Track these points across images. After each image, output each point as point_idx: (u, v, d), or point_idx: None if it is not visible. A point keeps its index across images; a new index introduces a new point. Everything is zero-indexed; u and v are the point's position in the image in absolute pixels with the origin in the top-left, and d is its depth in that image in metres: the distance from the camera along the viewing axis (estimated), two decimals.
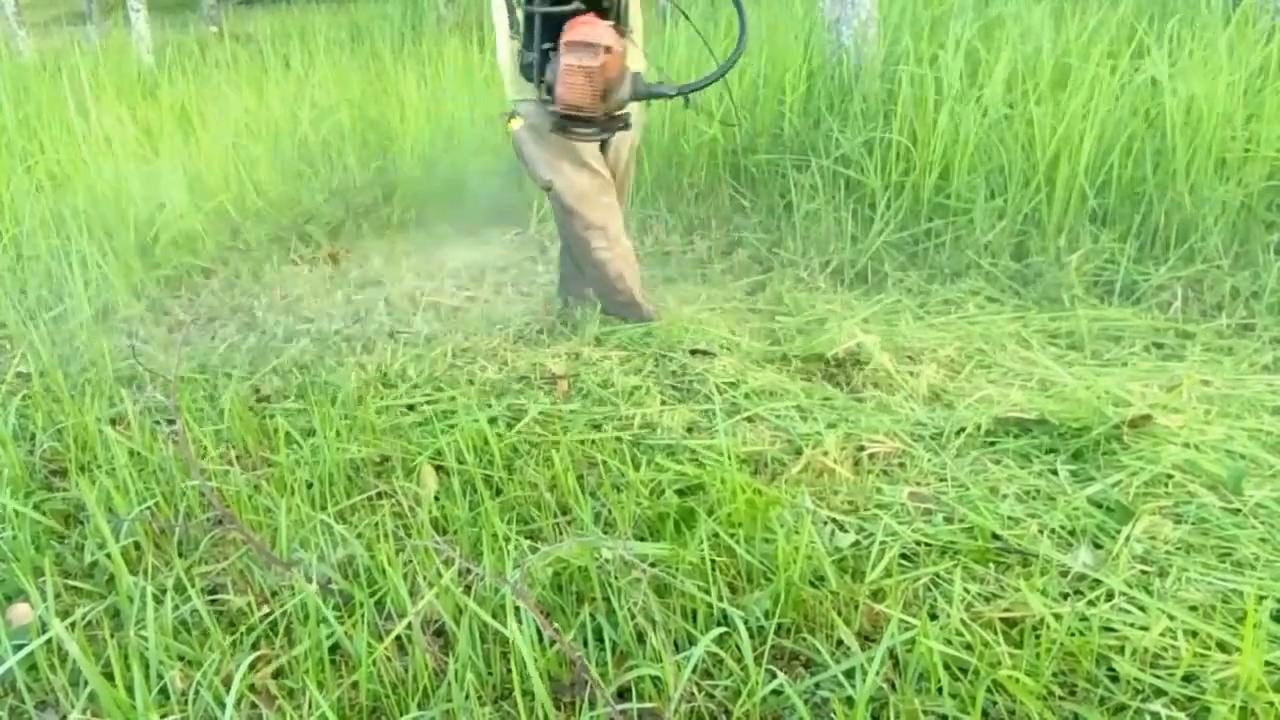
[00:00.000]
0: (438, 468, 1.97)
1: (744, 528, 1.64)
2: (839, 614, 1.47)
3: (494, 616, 1.45)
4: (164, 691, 1.39)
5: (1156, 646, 1.37)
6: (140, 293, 3.24)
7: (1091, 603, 1.46)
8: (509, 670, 1.38)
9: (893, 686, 1.36)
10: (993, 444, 1.96)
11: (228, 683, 1.37)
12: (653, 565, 1.56)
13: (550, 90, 2.15)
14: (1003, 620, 1.44)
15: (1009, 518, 1.69)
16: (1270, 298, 2.65)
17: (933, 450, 1.95)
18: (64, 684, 1.44)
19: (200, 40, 8.01)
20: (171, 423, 2.24)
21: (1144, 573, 1.54)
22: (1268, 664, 1.31)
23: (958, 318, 2.72)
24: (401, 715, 1.37)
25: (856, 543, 1.65)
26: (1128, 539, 1.60)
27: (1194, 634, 1.39)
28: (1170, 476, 1.78)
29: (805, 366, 2.38)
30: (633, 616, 1.48)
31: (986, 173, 3.11)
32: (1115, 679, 1.34)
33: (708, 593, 1.49)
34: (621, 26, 2.21)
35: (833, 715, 1.29)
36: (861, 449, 1.95)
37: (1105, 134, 2.99)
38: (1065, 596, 1.50)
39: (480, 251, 3.63)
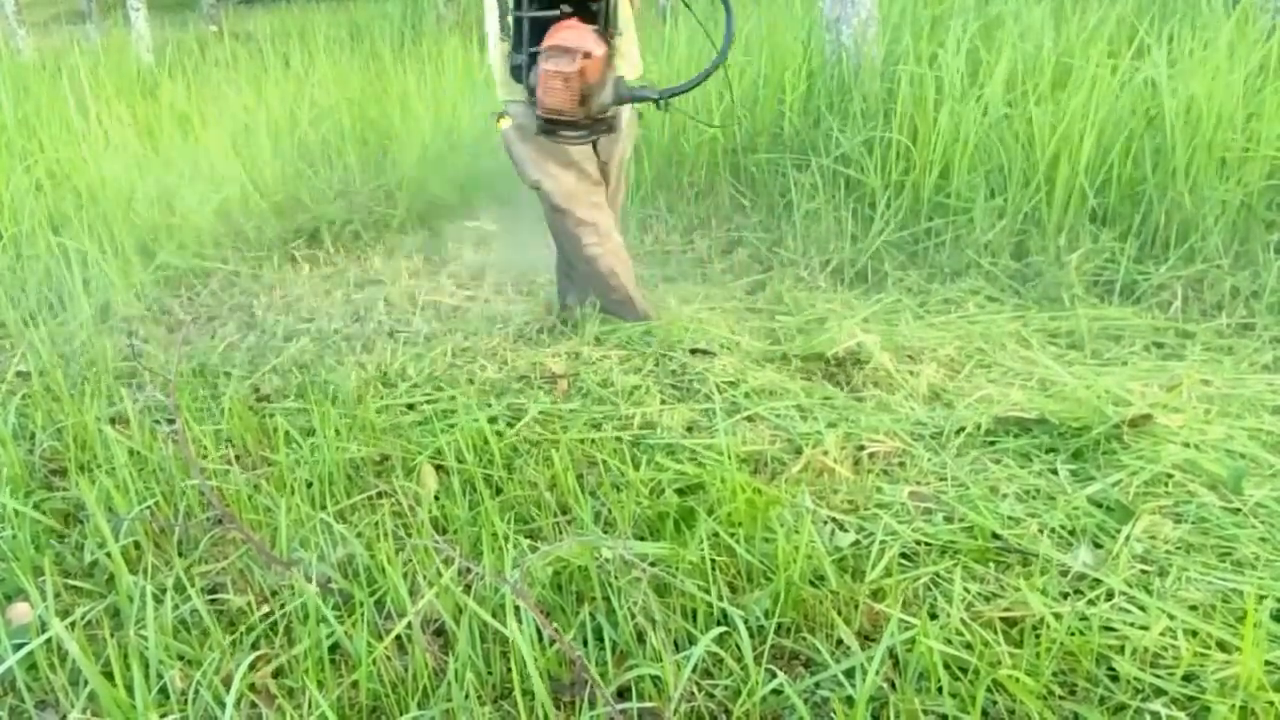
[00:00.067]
0: (438, 467, 1.97)
1: (744, 527, 1.64)
2: (839, 613, 1.47)
3: (494, 616, 1.45)
4: (164, 691, 1.39)
5: (1156, 646, 1.37)
6: (140, 292, 3.24)
7: (1091, 602, 1.46)
8: (509, 670, 1.38)
9: (893, 686, 1.36)
10: (993, 443, 1.96)
11: (228, 682, 1.37)
12: (653, 565, 1.56)
13: (534, 93, 2.17)
14: (1003, 620, 1.44)
15: (1009, 517, 1.69)
16: (1270, 297, 2.65)
17: (933, 450, 1.95)
18: (64, 683, 1.44)
19: (200, 39, 8.00)
20: (171, 422, 2.24)
21: (1144, 572, 1.53)
22: (1268, 663, 1.31)
23: (958, 317, 2.72)
24: (401, 715, 1.37)
25: (856, 542, 1.65)
26: (1128, 538, 1.60)
27: (1194, 633, 1.39)
28: (1170, 476, 1.77)
29: (805, 366, 2.38)
30: (633, 616, 1.48)
31: (986, 172, 3.11)
32: (1115, 678, 1.34)
33: (708, 592, 1.49)
34: (611, 29, 2.23)
35: (833, 715, 1.29)
36: (861, 448, 1.95)
37: (1105, 133, 2.99)
38: (1065, 596, 1.50)
39: (480, 252, 3.63)
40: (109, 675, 1.35)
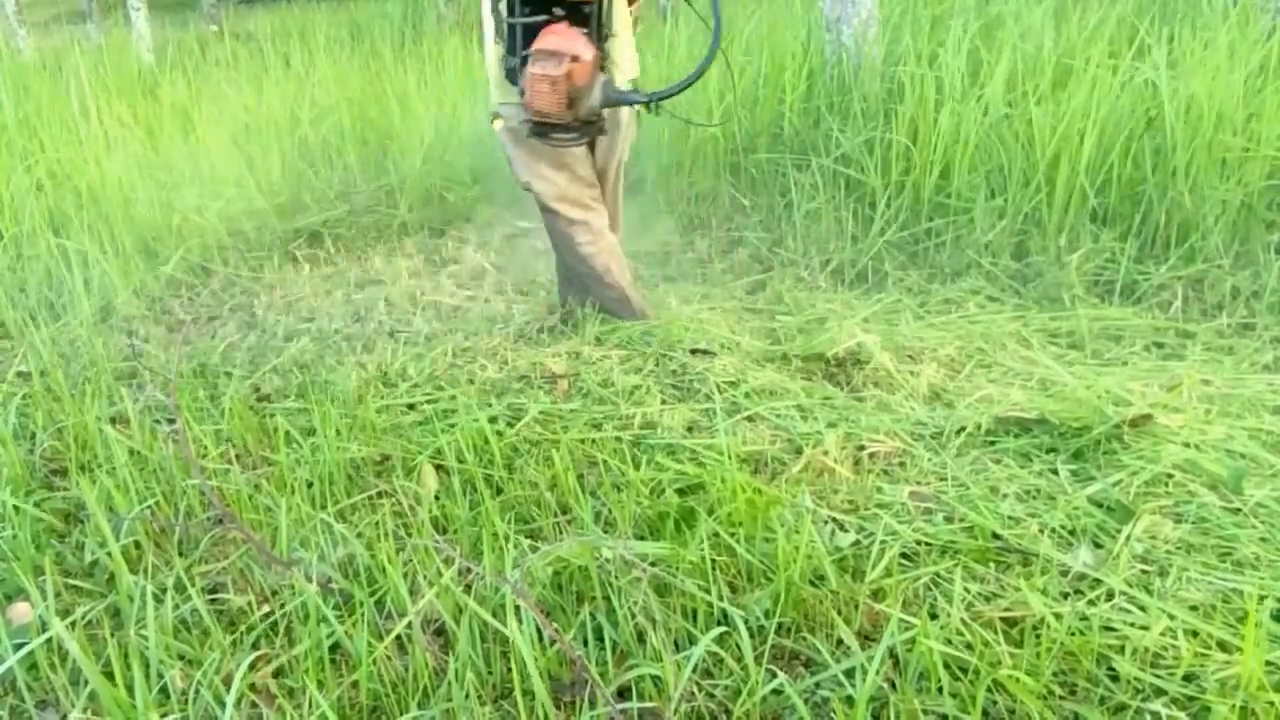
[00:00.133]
0: (438, 467, 1.97)
1: (744, 527, 1.64)
2: (839, 613, 1.47)
3: (494, 616, 1.45)
4: (164, 691, 1.39)
5: (1157, 646, 1.37)
6: (141, 292, 3.24)
7: (1092, 602, 1.46)
8: (509, 670, 1.38)
9: (893, 686, 1.36)
10: (993, 443, 1.96)
11: (228, 682, 1.37)
12: (653, 565, 1.56)
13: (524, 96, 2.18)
14: (1003, 620, 1.44)
15: (1009, 517, 1.69)
16: (1271, 297, 2.65)
17: (933, 450, 1.95)
18: (64, 683, 1.44)
19: (200, 39, 8.01)
20: (172, 422, 2.24)
21: (1144, 572, 1.53)
22: (1268, 664, 1.31)
23: (958, 317, 2.72)
24: (401, 715, 1.37)
25: (857, 542, 1.65)
26: (1128, 538, 1.60)
27: (1194, 634, 1.39)
28: (1170, 476, 1.77)
29: (805, 366, 2.38)
30: (633, 616, 1.48)
31: (987, 172, 3.11)
32: (1115, 679, 1.34)
33: (708, 592, 1.49)
34: (605, 31, 2.23)
35: (833, 715, 1.29)
36: (862, 448, 1.95)
37: (1106, 133, 2.99)
38: (1065, 596, 1.50)
39: (480, 251, 3.63)
40: (109, 675, 1.35)
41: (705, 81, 3.73)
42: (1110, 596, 1.48)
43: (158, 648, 1.41)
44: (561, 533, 1.76)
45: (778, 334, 2.65)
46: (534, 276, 3.30)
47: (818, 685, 1.38)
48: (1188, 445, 1.86)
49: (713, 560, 1.54)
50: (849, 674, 1.36)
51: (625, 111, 2.49)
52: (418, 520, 1.79)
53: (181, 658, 1.48)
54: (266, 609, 1.57)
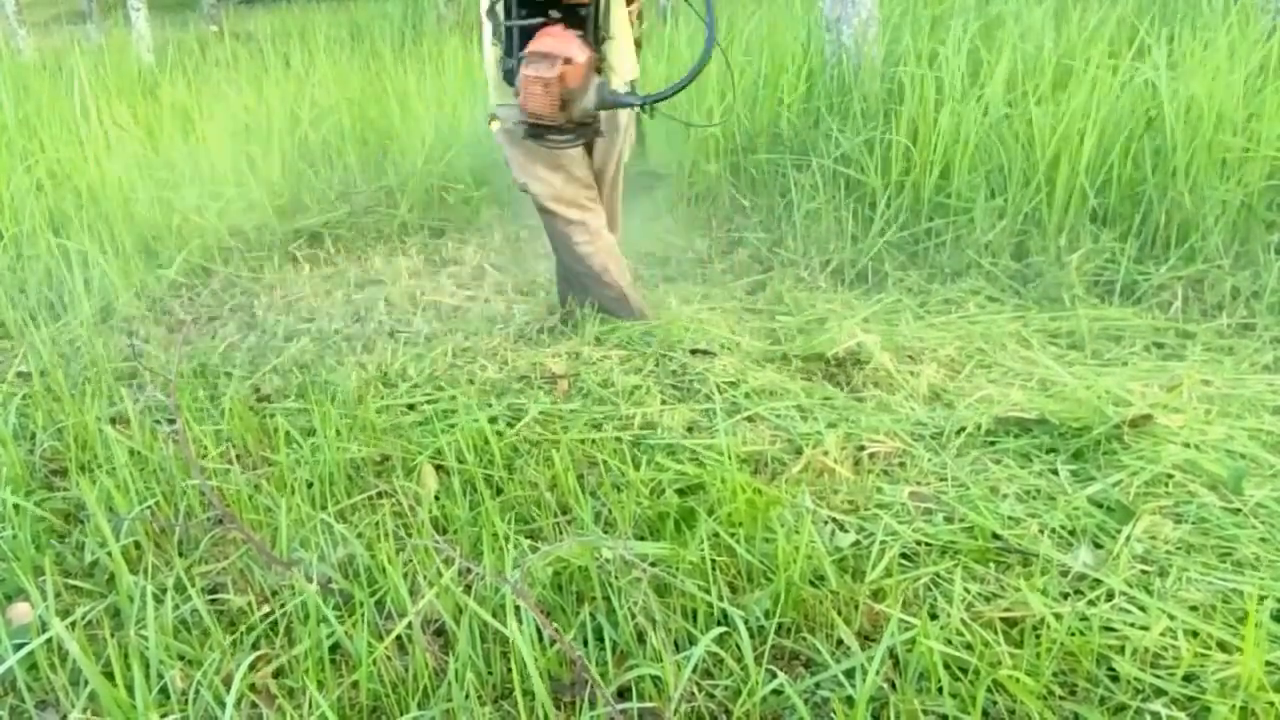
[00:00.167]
0: (438, 467, 1.97)
1: (744, 527, 1.64)
2: (839, 614, 1.47)
3: (494, 616, 1.45)
4: (164, 691, 1.39)
5: (1157, 646, 1.37)
6: (141, 292, 3.24)
7: (1092, 602, 1.46)
8: (509, 670, 1.38)
9: (893, 686, 1.36)
10: (993, 444, 1.96)
11: (228, 682, 1.37)
12: (653, 565, 1.56)
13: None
14: (1003, 620, 1.44)
15: (1009, 517, 1.69)
16: (1271, 297, 2.65)
17: (933, 450, 1.95)
18: (64, 683, 1.44)
19: (200, 39, 8.01)
20: (172, 422, 2.24)
21: (1144, 572, 1.53)
22: (1268, 664, 1.31)
23: (958, 317, 2.72)
24: (401, 715, 1.37)
25: (857, 542, 1.65)
26: (1128, 539, 1.60)
27: (1194, 634, 1.39)
28: (1170, 476, 1.77)
29: (805, 366, 2.38)
30: (633, 616, 1.48)
31: (987, 172, 3.11)
32: (1115, 679, 1.34)
33: (708, 592, 1.49)
34: (601, 34, 2.23)
35: (833, 715, 1.29)
36: (862, 448, 1.95)
37: (1106, 134, 2.99)
38: (1065, 596, 1.50)
39: (480, 252, 3.63)
40: (109, 675, 1.35)
41: (705, 82, 3.73)
42: (1110, 597, 1.48)
43: (158, 648, 1.41)
44: (561, 533, 1.76)
45: (778, 334, 2.65)
46: (534, 277, 3.30)
47: (818, 685, 1.38)
48: (1188, 445, 1.86)
49: (713, 560, 1.54)
50: (849, 674, 1.36)
51: (624, 113, 2.49)
52: (418, 520, 1.79)
53: (181, 658, 1.48)
54: (266, 609, 1.57)
